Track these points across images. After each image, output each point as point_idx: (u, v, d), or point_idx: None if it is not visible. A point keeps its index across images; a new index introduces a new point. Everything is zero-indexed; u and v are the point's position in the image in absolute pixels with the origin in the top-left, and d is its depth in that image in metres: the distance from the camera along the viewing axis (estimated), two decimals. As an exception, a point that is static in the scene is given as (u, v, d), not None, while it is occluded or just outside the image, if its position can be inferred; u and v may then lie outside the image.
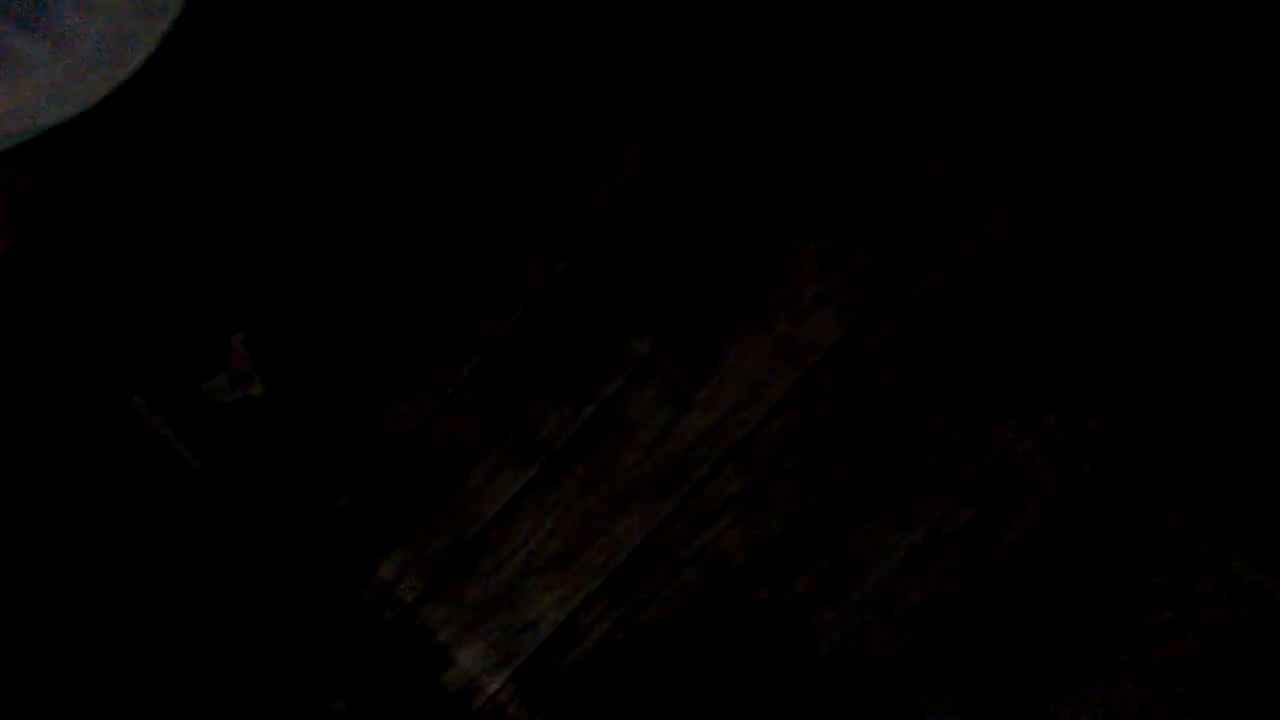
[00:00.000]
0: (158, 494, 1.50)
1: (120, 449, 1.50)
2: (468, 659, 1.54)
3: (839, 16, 1.36)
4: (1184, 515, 1.28)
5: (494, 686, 1.53)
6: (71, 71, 0.79)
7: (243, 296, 1.54)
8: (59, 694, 1.11)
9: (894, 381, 1.38)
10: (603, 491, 1.47)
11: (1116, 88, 1.29)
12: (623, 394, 1.47)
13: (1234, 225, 1.26)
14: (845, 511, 1.40)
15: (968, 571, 1.36)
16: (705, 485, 1.44)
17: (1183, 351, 1.27)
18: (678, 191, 1.43)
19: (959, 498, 1.36)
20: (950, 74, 1.34)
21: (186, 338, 1.60)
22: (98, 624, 1.26)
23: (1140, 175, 1.29)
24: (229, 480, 1.60)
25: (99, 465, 1.45)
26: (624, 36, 1.41)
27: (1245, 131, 1.24)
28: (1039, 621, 1.34)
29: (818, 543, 1.41)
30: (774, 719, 1.38)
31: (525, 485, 1.50)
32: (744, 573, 1.43)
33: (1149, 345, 1.28)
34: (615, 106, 1.42)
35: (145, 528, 1.45)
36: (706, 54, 1.40)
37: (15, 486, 1.28)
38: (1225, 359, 1.27)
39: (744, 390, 1.43)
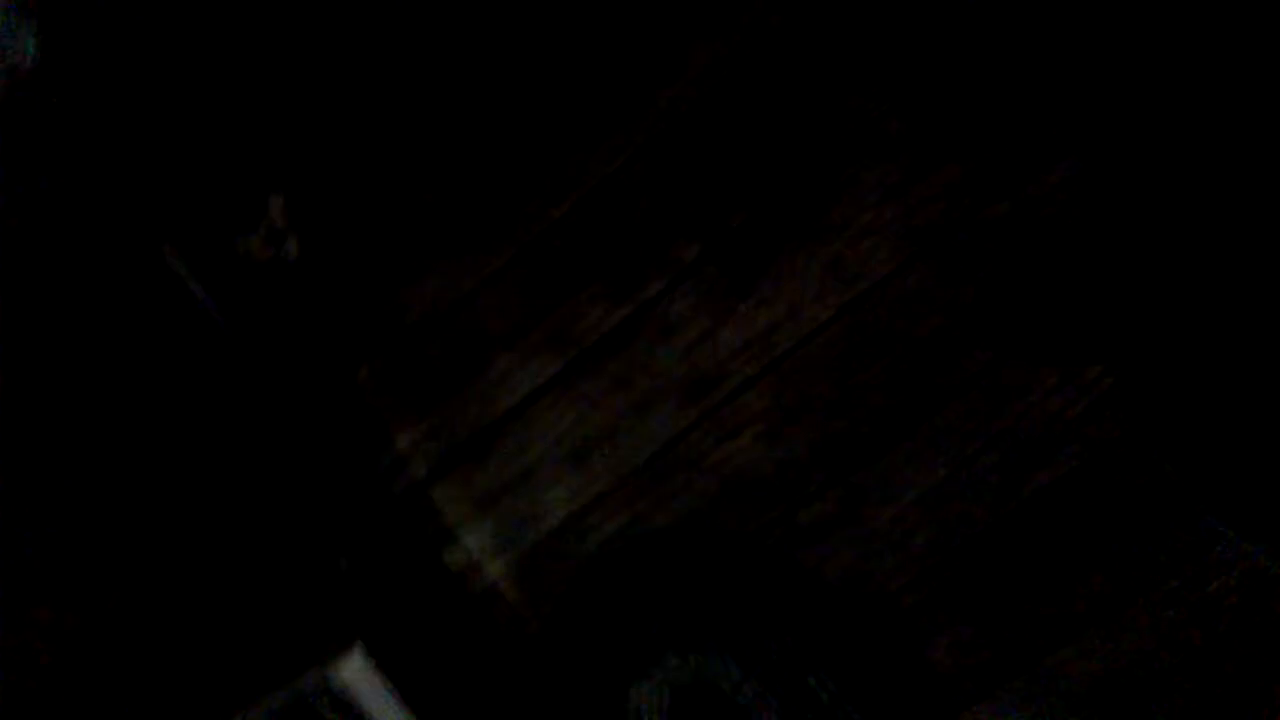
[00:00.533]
0: (180, 346, 1.49)
1: (147, 298, 1.49)
2: (472, 541, 1.55)
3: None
4: (1204, 496, 1.29)
5: (494, 571, 1.54)
6: None
7: (287, 156, 1.53)
8: (67, 533, 1.12)
9: (937, 320, 1.38)
10: (629, 392, 1.48)
11: (1185, 61, 1.27)
12: (663, 298, 1.46)
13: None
14: (870, 442, 1.41)
15: (982, 516, 1.37)
16: (734, 398, 1.44)
17: (1220, 334, 1.27)
18: (743, 103, 1.41)
19: (987, 442, 1.37)
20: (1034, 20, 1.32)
21: (225, 193, 1.58)
22: (107, 466, 1.27)
23: (1199, 147, 1.28)
24: (251, 338, 1.60)
25: (124, 312, 1.44)
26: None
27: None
28: (1046, 573, 1.36)
29: (838, 469, 1.42)
30: (771, 637, 1.40)
31: (553, 377, 1.50)
32: (760, 489, 1.44)
33: (1187, 321, 1.28)
34: (690, 10, 1.40)
35: (164, 376, 1.44)
36: (796, -35, 1.37)
37: (38, 322, 1.27)
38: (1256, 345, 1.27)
39: (785, 309, 1.42)
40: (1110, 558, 1.34)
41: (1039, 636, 1.36)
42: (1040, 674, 1.36)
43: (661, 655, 1.42)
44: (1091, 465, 1.34)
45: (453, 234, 1.50)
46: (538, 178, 1.47)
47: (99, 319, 1.39)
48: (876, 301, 1.40)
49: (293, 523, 1.43)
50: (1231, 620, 1.30)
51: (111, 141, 1.51)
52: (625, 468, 1.49)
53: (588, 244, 1.47)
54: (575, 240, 1.47)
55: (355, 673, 1.34)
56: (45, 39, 1.23)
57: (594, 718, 1.43)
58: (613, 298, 1.48)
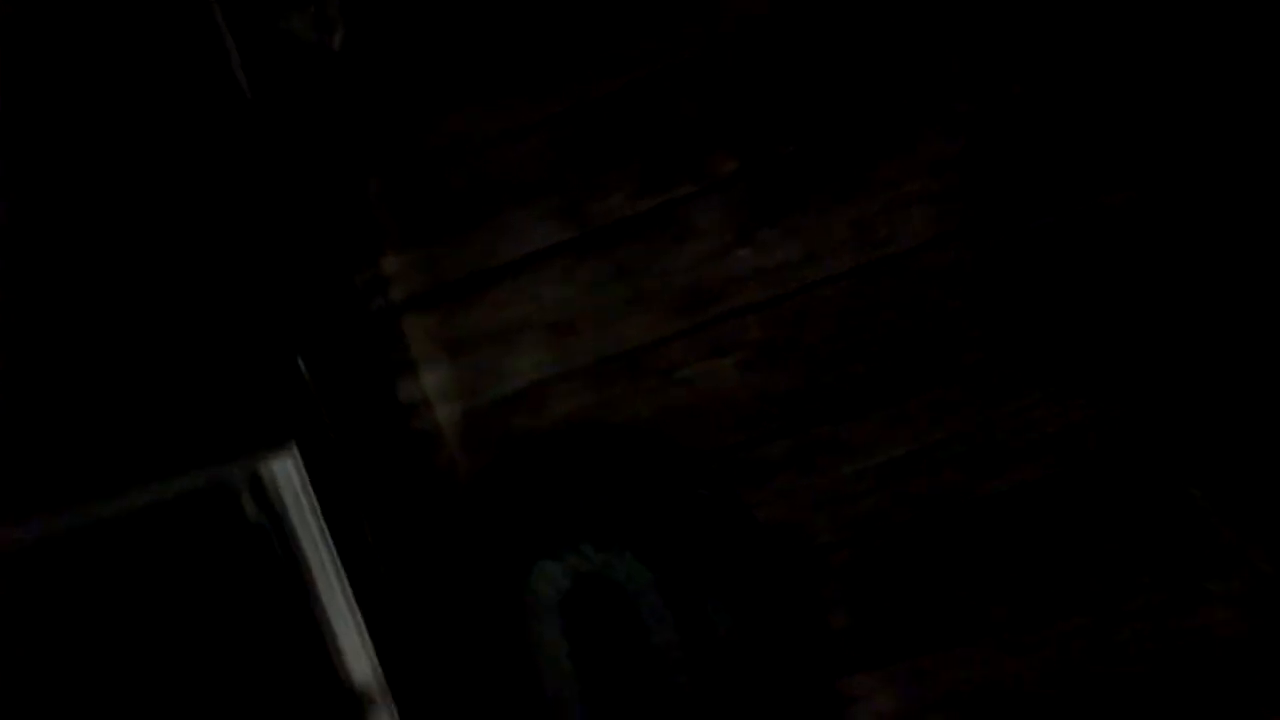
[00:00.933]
0: (199, 100, 1.45)
1: (180, 57, 1.44)
2: (430, 380, 1.54)
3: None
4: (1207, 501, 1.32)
5: (442, 415, 1.54)
6: None
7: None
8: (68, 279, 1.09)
9: (952, 304, 1.38)
10: (629, 283, 1.46)
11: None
12: (688, 203, 1.44)
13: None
14: (845, 402, 1.41)
15: (930, 502, 1.39)
16: (727, 320, 1.44)
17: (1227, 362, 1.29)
18: (824, 37, 1.38)
19: (957, 436, 1.38)
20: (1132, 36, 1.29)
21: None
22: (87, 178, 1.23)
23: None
24: (272, 117, 1.55)
25: (152, 63, 1.39)
26: None
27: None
28: (975, 574, 1.38)
29: (807, 418, 1.42)
30: (690, 558, 1.42)
31: (560, 244, 1.48)
32: (725, 415, 1.44)
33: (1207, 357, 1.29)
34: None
35: (171, 123, 1.40)
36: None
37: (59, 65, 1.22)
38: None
39: (802, 250, 1.41)
40: (1040, 578, 1.37)
41: (944, 630, 1.39)
42: (931, 665, 1.39)
43: (578, 543, 1.43)
44: (1054, 485, 1.35)
45: (500, 73, 1.46)
46: (601, 46, 1.43)
47: (123, 65, 1.34)
48: (892, 271, 1.39)
49: (261, 310, 1.41)
50: (1131, 673, 1.34)
51: None
52: (600, 355, 1.48)
53: (629, 127, 1.44)
54: (618, 120, 1.44)
55: (284, 473, 1.34)
56: None
57: (498, 579, 1.45)
58: (639, 188, 1.45)
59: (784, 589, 1.43)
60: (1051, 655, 1.36)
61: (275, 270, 1.46)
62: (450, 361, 1.54)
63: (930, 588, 1.39)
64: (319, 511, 1.35)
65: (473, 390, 1.53)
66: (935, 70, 1.36)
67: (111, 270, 1.16)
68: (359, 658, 1.32)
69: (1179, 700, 1.32)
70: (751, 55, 1.40)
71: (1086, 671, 1.35)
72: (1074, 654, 1.35)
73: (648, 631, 1.42)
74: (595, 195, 1.47)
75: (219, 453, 1.25)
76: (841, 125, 1.39)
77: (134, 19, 1.36)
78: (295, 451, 1.34)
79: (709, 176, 1.44)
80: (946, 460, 1.38)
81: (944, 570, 1.39)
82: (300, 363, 1.44)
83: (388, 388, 1.58)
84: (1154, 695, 1.32)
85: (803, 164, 1.41)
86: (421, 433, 1.56)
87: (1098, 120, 1.33)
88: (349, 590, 1.32)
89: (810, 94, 1.40)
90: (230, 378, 1.30)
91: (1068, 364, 1.35)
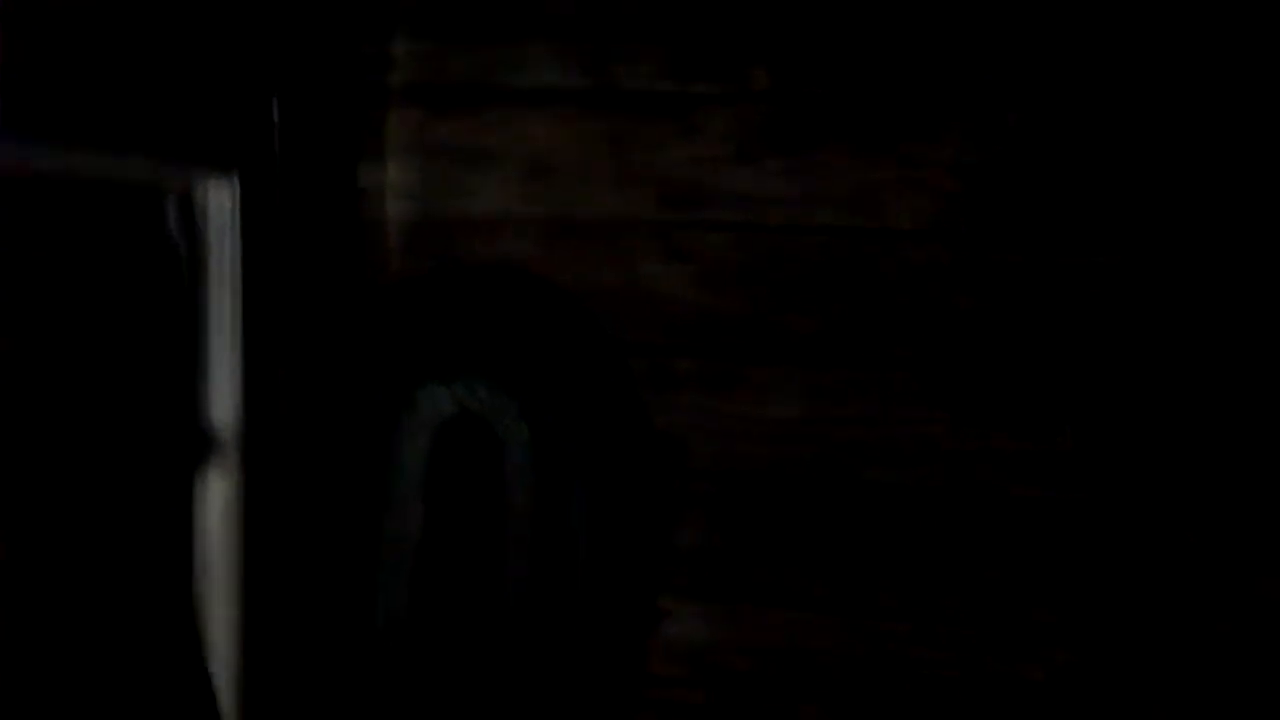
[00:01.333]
0: None
1: None
2: (394, 173, 1.51)
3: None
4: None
5: (392, 211, 1.51)
6: None
7: None
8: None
9: (912, 298, 1.37)
10: (623, 155, 1.44)
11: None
12: (710, 103, 1.41)
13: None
14: (774, 346, 1.41)
15: (804, 470, 1.40)
16: (700, 229, 1.42)
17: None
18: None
19: (860, 420, 1.39)
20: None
21: None
22: None
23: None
24: None
25: None
26: None
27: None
28: (820, 553, 1.40)
29: (731, 348, 1.42)
30: (568, 427, 1.42)
31: (568, 91, 1.45)
32: (659, 316, 1.44)
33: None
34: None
35: None
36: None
37: None
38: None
39: (801, 190, 1.40)
40: (877, 577, 1.40)
41: (771, 589, 1.41)
42: (749, 614, 1.42)
43: (474, 379, 1.42)
44: (926, 496, 1.38)
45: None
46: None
47: None
48: (874, 244, 1.38)
49: (260, 43, 1.35)
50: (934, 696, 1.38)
51: None
52: (566, 214, 1.46)
53: (684, 6, 1.41)
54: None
55: (219, 200, 1.30)
56: None
57: (384, 386, 1.44)
58: (668, 69, 1.42)
59: (648, 497, 1.44)
60: (861, 651, 1.39)
61: (290, 12, 1.40)
62: (422, 164, 1.50)
63: (774, 546, 1.41)
64: (239, 250, 1.32)
65: (433, 200, 1.50)
66: (996, 71, 1.34)
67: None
68: (224, 402, 1.30)
69: (960, 736, 1.36)
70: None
71: (894, 669, 1.39)
72: (884, 653, 1.39)
73: (505, 489, 1.43)
74: (622, 58, 1.43)
75: (165, 150, 1.21)
76: (884, 88, 1.37)
77: None
78: (236, 182, 1.30)
79: (739, 86, 1.41)
80: (839, 437, 1.39)
81: (793, 535, 1.41)
82: (275, 104, 1.40)
83: (351, 167, 1.54)
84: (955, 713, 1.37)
85: (832, 110, 1.38)
86: (368, 221, 1.53)
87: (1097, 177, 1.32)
88: (238, 335, 1.30)
89: (867, 47, 1.37)
90: (206, 89, 1.26)
91: (987, 398, 1.36)
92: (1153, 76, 1.30)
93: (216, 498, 1.30)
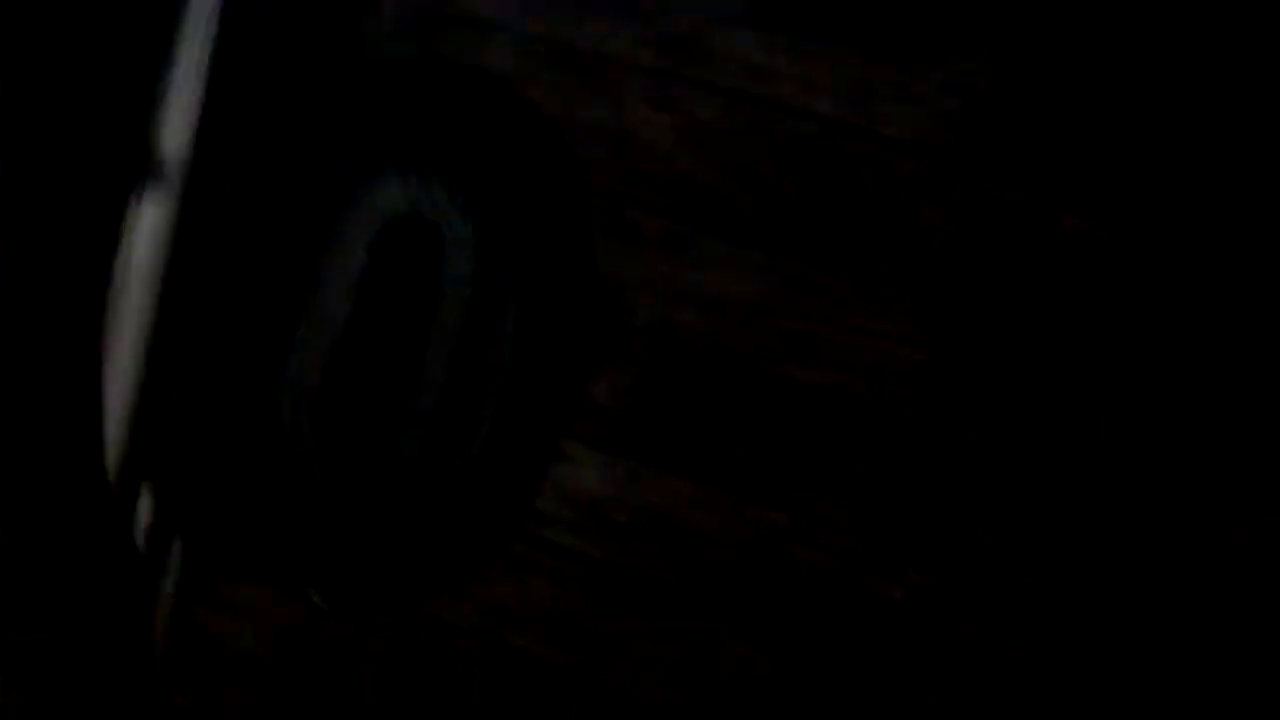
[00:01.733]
0: None
1: None
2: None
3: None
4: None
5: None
6: None
7: None
8: None
9: (882, 203, 1.36)
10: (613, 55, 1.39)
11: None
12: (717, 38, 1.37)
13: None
14: (738, 225, 1.39)
15: (733, 351, 1.40)
16: (696, 87, 1.39)
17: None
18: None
19: (799, 315, 1.38)
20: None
21: None
22: None
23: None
24: None
25: None
26: None
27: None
28: (725, 432, 1.41)
29: (696, 215, 1.40)
30: (519, 244, 1.40)
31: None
32: (635, 164, 1.41)
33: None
34: None
35: None
36: None
37: None
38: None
39: (804, 74, 1.36)
40: (778, 469, 1.41)
41: (671, 458, 1.43)
42: (650, 477, 1.43)
43: (433, 172, 1.39)
44: (847, 402, 1.38)
45: None
46: None
47: None
48: (861, 145, 1.36)
49: None
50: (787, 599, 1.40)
51: None
52: (561, 36, 1.42)
53: None
54: None
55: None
56: None
57: (345, 163, 1.41)
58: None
59: (576, 337, 1.43)
60: (740, 535, 1.41)
61: None
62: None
63: (686, 418, 1.42)
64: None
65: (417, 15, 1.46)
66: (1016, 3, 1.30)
67: None
68: (175, 134, 1.27)
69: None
70: None
71: (766, 559, 1.41)
72: (760, 540, 1.41)
73: (439, 296, 1.41)
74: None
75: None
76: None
77: None
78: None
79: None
80: (778, 327, 1.38)
81: (707, 412, 1.41)
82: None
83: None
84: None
85: (850, 5, 1.34)
86: (364, 1, 1.48)
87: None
88: (206, 67, 1.26)
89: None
90: None
91: (930, 320, 1.35)
92: (1168, 27, 1.27)
93: (147, 224, 1.28)
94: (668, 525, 1.43)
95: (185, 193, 1.27)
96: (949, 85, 1.33)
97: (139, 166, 1.25)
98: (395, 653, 1.51)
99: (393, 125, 1.40)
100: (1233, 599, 1.29)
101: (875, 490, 1.38)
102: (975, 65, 1.32)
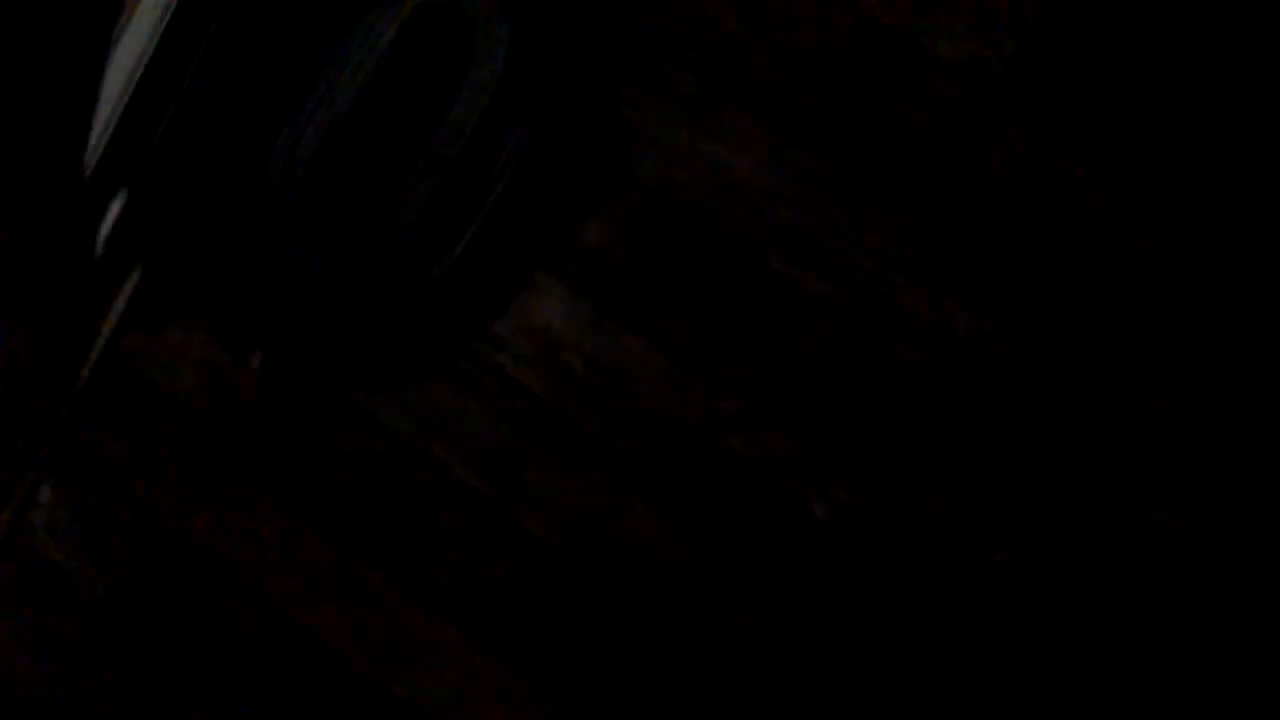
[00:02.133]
0: None
1: None
2: None
3: None
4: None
5: None
6: None
7: None
8: None
9: (917, 109, 1.34)
10: None
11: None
12: None
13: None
14: (761, 103, 1.38)
15: (725, 231, 1.39)
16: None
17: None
18: None
19: (800, 209, 1.37)
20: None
21: None
22: None
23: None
24: None
25: None
26: None
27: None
28: (713, 320, 1.40)
29: (727, 85, 1.38)
30: (557, 62, 1.38)
31: None
32: (678, 27, 1.39)
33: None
34: None
35: None
36: None
37: None
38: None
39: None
40: (754, 355, 1.40)
41: (649, 325, 1.42)
42: (611, 326, 1.43)
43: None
44: (826, 305, 1.37)
45: None
46: None
47: None
48: (914, 58, 1.34)
49: None
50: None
51: None
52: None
53: None
54: None
55: None
56: None
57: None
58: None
59: (580, 169, 1.41)
60: (684, 416, 1.41)
61: None
62: None
63: (663, 282, 1.41)
64: None
65: None
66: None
67: None
68: None
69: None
70: None
71: (705, 450, 1.41)
72: (702, 431, 1.41)
73: (455, 96, 1.39)
74: None
75: None
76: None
77: None
78: None
79: None
80: (772, 214, 1.37)
81: (685, 281, 1.40)
82: None
83: None
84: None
85: None
86: None
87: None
88: None
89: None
90: None
91: (927, 254, 1.34)
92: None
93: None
94: (617, 383, 1.42)
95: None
96: (1014, 26, 1.31)
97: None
98: (319, 434, 1.51)
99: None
100: (1246, 580, 1.29)
101: (819, 404, 1.37)
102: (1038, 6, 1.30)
